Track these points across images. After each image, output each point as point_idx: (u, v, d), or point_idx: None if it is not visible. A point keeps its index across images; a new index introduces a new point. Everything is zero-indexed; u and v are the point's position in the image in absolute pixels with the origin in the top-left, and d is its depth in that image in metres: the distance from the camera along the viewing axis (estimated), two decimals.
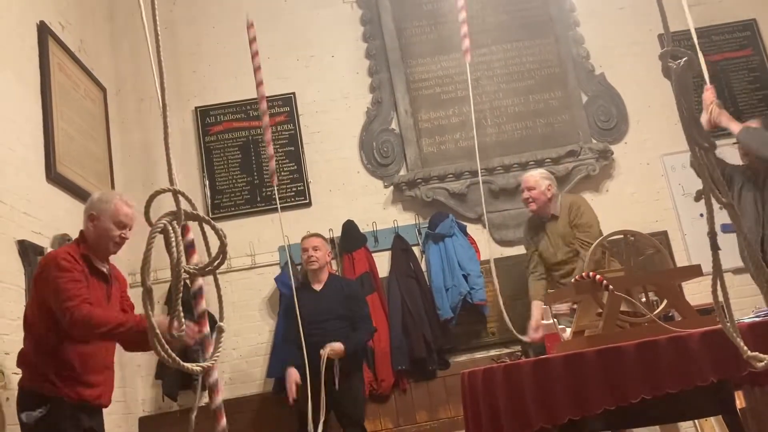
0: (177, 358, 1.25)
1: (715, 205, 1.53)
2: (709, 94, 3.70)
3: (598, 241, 2.99)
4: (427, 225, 5.08)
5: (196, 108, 5.36)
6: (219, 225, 1.73)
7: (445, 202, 5.17)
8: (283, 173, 5.20)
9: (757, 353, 1.52)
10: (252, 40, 3.51)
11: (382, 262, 5.04)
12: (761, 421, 3.46)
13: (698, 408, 2.50)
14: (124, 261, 4.31)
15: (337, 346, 3.94)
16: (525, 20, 5.57)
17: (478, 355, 4.91)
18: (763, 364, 1.51)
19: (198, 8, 5.57)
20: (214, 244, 1.40)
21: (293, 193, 5.21)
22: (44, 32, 4.08)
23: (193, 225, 1.43)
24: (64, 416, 2.62)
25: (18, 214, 3.44)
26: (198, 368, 1.36)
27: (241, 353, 4.92)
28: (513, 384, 2.27)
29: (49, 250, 3.55)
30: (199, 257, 1.77)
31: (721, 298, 1.52)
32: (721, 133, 5.16)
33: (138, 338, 2.58)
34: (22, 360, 2.76)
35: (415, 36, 5.55)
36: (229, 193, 5.22)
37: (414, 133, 5.34)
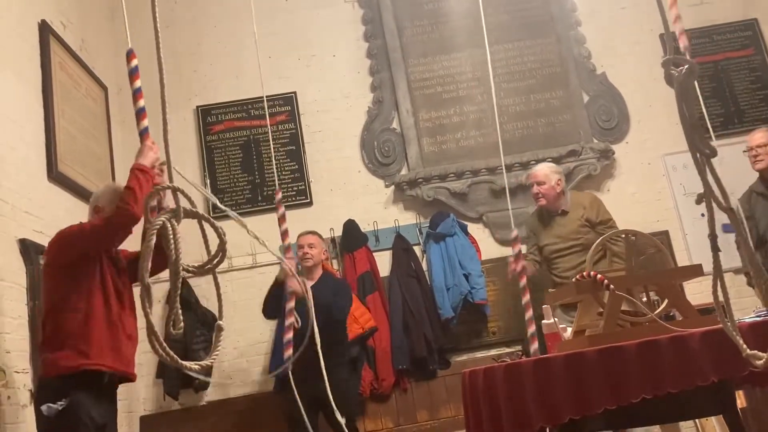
0: (175, 357, 1.25)
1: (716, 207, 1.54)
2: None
3: (599, 240, 3.00)
4: (428, 224, 5.08)
5: (197, 107, 5.36)
6: (220, 224, 1.73)
7: (446, 202, 5.17)
8: (284, 173, 5.20)
9: (756, 351, 1.53)
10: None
11: (383, 262, 5.04)
12: (762, 421, 3.46)
13: (699, 408, 2.50)
14: None
15: (298, 287, 3.67)
16: (526, 20, 5.57)
17: (479, 354, 4.91)
18: (762, 362, 1.52)
19: (199, 7, 5.57)
20: (214, 243, 1.40)
21: (294, 193, 5.21)
22: (45, 31, 4.08)
23: (192, 223, 1.43)
24: (84, 410, 2.63)
25: (19, 213, 3.44)
26: (196, 367, 1.36)
27: (243, 352, 4.92)
28: (514, 383, 2.27)
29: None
30: (199, 256, 1.77)
31: (721, 298, 1.53)
32: (724, 133, 5.20)
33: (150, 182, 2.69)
34: (44, 349, 2.74)
35: (417, 35, 5.55)
36: (231, 192, 5.22)
37: (415, 133, 5.34)
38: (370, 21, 5.56)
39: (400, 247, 5.04)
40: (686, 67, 1.50)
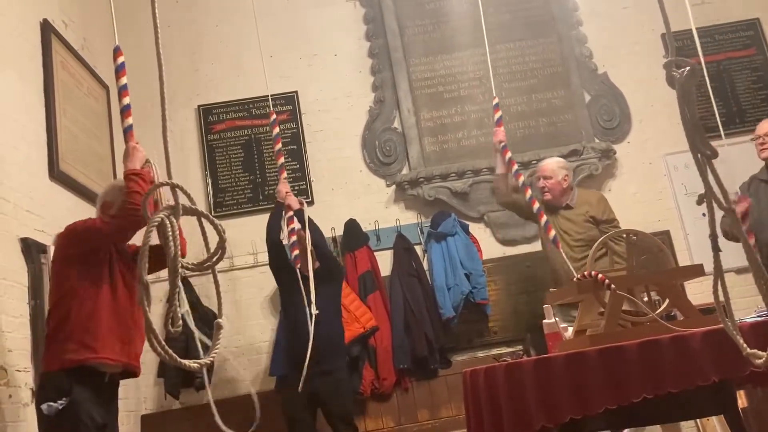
0: (174, 356, 1.25)
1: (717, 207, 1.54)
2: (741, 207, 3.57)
3: (600, 240, 2.99)
4: (429, 224, 5.07)
5: (198, 106, 5.36)
6: (220, 223, 1.73)
7: (447, 201, 5.16)
8: (285, 172, 5.19)
9: (756, 350, 1.53)
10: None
11: (385, 261, 5.04)
12: (763, 421, 3.46)
13: (700, 407, 2.50)
14: None
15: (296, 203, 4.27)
16: (528, 19, 5.56)
17: (480, 354, 4.91)
18: (762, 360, 1.52)
19: (200, 7, 5.57)
20: (213, 241, 1.40)
21: (295, 192, 5.19)
22: (47, 30, 4.08)
23: (192, 220, 1.43)
24: (84, 409, 2.63)
25: (21, 212, 3.44)
26: (196, 365, 1.36)
27: (243, 351, 4.92)
28: (514, 383, 2.27)
29: (52, 248, 3.56)
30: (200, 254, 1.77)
31: (722, 298, 1.53)
32: (725, 133, 5.18)
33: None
34: (54, 337, 2.72)
35: (418, 35, 5.55)
36: (232, 191, 5.22)
37: (416, 132, 5.34)
38: (372, 20, 5.56)
39: (402, 246, 5.04)
40: (687, 68, 1.51)
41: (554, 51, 5.52)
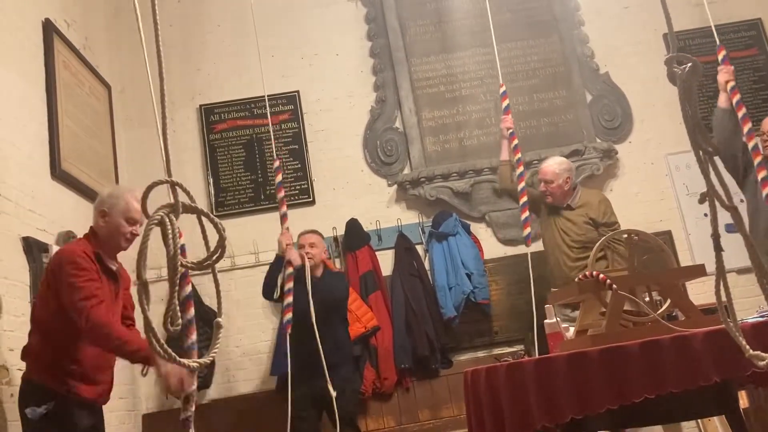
0: (174, 355, 1.24)
1: (719, 206, 1.53)
2: (722, 76, 3.78)
3: (601, 240, 2.99)
4: (430, 224, 5.07)
5: (200, 106, 5.36)
6: (221, 222, 1.72)
7: (448, 201, 5.16)
8: (287, 171, 5.19)
9: (758, 352, 1.52)
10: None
11: (386, 261, 5.04)
12: (764, 421, 3.45)
13: (701, 408, 2.49)
14: (128, 255, 4.31)
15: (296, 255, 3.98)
16: (529, 19, 5.56)
17: (481, 353, 4.92)
18: (764, 363, 1.51)
19: (202, 6, 5.57)
20: (213, 240, 1.40)
21: (297, 192, 5.21)
22: (49, 30, 4.09)
23: (191, 219, 1.42)
24: (69, 413, 2.62)
25: (23, 211, 3.45)
26: (194, 364, 1.35)
27: (245, 351, 4.93)
28: (516, 383, 2.26)
29: (54, 247, 3.56)
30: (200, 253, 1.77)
31: (723, 298, 1.52)
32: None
33: (137, 359, 2.66)
34: (29, 354, 2.73)
35: (419, 35, 5.55)
36: (233, 191, 5.23)
37: (418, 132, 5.34)
38: (373, 20, 5.56)
39: (403, 246, 5.04)
40: (689, 65, 1.50)
41: (556, 51, 5.52)
